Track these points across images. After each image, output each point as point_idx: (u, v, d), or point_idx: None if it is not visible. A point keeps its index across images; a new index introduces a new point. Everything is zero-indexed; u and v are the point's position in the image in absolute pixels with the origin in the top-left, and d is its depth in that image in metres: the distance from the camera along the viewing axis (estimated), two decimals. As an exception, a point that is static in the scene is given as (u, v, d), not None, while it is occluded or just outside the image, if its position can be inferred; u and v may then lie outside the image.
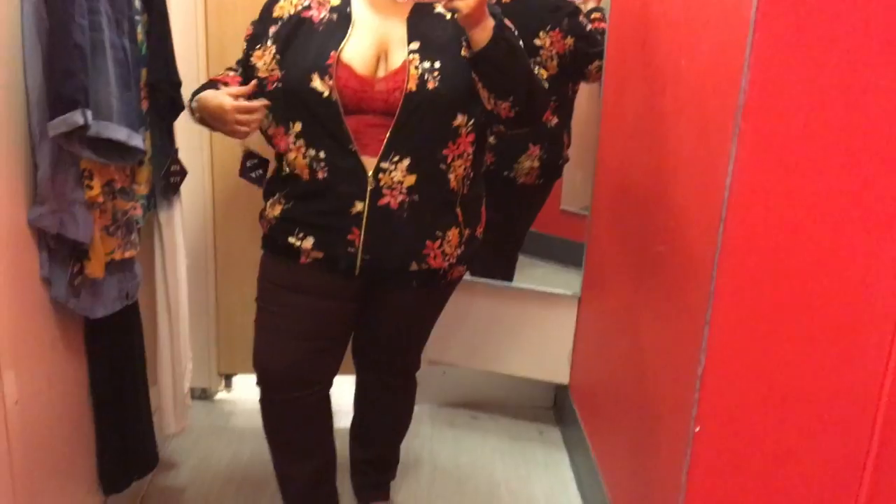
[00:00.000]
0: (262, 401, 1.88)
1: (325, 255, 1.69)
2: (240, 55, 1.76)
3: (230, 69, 1.79)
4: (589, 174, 2.44)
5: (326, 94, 1.58)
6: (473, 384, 2.80)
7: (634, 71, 1.92)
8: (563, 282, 2.61)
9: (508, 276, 2.70)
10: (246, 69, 1.72)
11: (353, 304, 1.80)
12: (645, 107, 1.81)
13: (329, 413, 1.93)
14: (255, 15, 1.73)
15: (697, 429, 1.10)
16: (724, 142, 1.08)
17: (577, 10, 2.35)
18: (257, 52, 1.68)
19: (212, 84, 1.75)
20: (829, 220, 0.95)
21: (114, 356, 1.82)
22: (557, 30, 2.30)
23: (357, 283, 1.74)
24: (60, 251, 1.53)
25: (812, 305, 0.97)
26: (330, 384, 1.90)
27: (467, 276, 2.61)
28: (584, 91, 2.70)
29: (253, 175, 1.86)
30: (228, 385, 2.84)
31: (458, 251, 1.75)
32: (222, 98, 1.62)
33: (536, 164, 2.50)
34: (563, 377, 2.59)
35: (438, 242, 1.70)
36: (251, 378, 2.81)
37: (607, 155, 2.24)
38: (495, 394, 2.82)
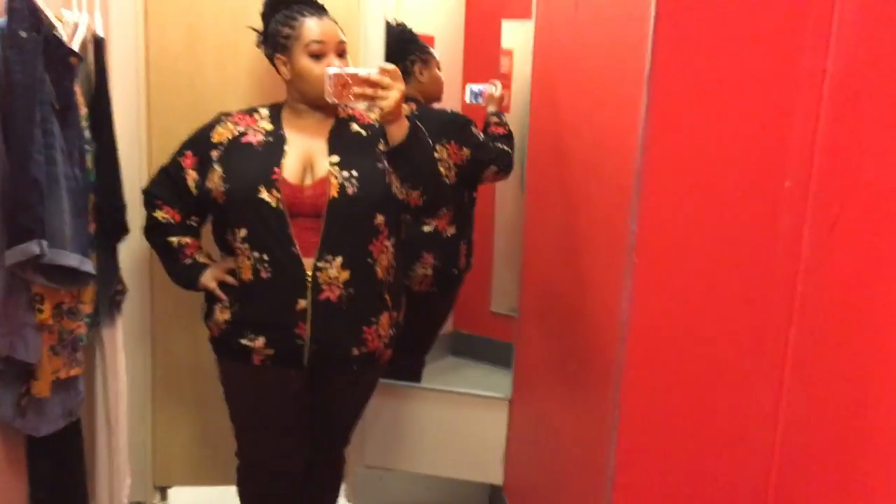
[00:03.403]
0: (242, 478, 2.13)
1: (276, 352, 1.88)
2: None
3: (160, 199, 1.96)
4: (517, 277, 2.57)
5: (274, 203, 1.81)
6: (410, 487, 2.84)
7: (552, 183, 2.10)
8: (495, 383, 2.70)
9: (416, 378, 2.76)
10: (202, 193, 1.90)
11: (306, 394, 2.00)
12: (563, 223, 1.98)
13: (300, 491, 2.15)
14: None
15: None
16: (620, 270, 1.24)
17: (469, 122, 2.49)
18: (210, 176, 1.88)
19: (178, 250, 1.97)
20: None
21: (54, 474, 1.84)
22: (454, 142, 2.42)
23: (306, 374, 1.94)
24: (8, 372, 1.58)
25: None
26: (302, 464, 2.10)
27: (403, 382, 2.70)
28: (509, 192, 2.86)
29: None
30: (164, 497, 2.80)
31: (390, 332, 1.97)
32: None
33: (430, 272, 2.59)
34: (497, 478, 2.66)
35: (374, 328, 1.92)
36: (186, 490, 2.81)
37: (531, 260, 2.38)
38: (432, 496, 2.86)
